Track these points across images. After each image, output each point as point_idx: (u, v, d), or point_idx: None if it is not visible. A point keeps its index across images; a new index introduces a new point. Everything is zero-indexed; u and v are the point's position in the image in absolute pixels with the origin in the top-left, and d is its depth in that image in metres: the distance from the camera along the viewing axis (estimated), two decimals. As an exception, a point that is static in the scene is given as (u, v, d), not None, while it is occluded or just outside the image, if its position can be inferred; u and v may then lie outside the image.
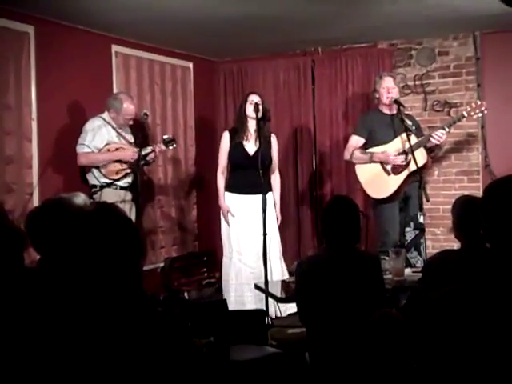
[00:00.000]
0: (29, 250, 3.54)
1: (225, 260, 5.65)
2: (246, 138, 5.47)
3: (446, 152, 6.39)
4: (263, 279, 4.86)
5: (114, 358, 1.62)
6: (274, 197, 5.56)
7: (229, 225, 5.54)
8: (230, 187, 5.56)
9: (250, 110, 5.39)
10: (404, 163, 5.28)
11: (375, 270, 3.39)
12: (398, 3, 5.13)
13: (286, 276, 5.34)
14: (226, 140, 5.55)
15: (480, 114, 5.45)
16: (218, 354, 3.34)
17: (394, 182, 5.34)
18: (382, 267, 3.51)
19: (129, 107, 5.30)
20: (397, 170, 5.34)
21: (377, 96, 5.53)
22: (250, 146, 5.47)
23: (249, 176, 5.33)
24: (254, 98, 5.42)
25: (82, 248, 1.72)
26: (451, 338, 2.50)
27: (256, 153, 5.40)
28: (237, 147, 5.49)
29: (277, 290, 4.38)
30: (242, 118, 5.50)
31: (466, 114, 5.36)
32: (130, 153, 5.21)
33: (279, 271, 5.49)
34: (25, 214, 4.83)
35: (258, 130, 5.36)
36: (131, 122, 5.40)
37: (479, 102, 5.40)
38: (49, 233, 2.59)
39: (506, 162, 6.04)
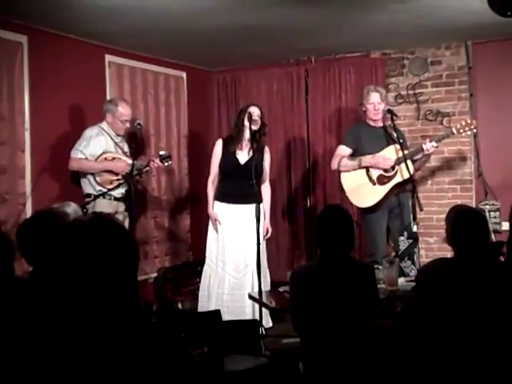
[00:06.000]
0: (21, 260, 3.54)
1: (206, 268, 5.57)
2: (240, 146, 5.44)
3: (438, 161, 6.41)
4: (247, 290, 4.93)
5: (107, 370, 1.61)
6: (264, 208, 5.35)
7: (217, 232, 5.50)
8: (219, 196, 5.51)
9: (247, 121, 5.34)
10: (391, 173, 5.30)
11: (369, 279, 3.39)
12: (390, 13, 5.16)
13: (268, 288, 5.26)
14: (218, 148, 5.52)
15: (469, 133, 5.46)
16: (212, 364, 3.33)
17: (379, 192, 5.34)
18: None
19: (124, 109, 5.30)
20: (382, 180, 5.35)
21: (363, 109, 5.56)
22: (243, 156, 5.43)
23: (238, 186, 5.31)
24: (255, 111, 5.39)
25: (76, 259, 1.71)
26: (445, 345, 2.50)
27: (248, 162, 5.36)
28: (228, 156, 5.45)
29: (269, 300, 4.36)
30: (239, 128, 5.44)
31: (455, 131, 5.36)
32: (123, 165, 5.17)
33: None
34: (18, 224, 4.84)
35: (254, 141, 5.32)
36: (128, 125, 5.35)
37: (469, 120, 5.40)
38: (40, 244, 2.58)
39: (499, 171, 6.07)
